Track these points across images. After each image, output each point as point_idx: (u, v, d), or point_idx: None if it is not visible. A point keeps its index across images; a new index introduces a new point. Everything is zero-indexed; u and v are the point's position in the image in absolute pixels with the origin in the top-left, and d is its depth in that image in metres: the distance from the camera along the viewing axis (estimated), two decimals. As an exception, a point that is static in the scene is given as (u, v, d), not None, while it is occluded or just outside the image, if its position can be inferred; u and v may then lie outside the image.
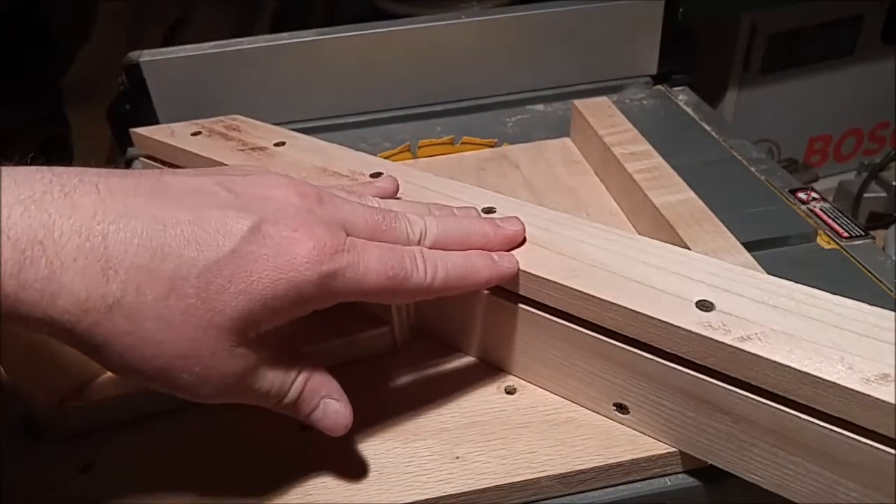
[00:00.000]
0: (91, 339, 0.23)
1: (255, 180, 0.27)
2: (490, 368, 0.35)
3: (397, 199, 0.35)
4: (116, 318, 0.23)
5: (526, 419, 0.32)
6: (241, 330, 0.25)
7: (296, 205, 0.27)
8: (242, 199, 0.26)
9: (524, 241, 0.33)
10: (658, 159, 0.47)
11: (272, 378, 0.27)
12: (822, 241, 0.46)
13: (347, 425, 0.28)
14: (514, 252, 0.32)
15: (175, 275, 0.23)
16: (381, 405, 0.33)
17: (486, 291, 0.33)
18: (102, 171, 0.25)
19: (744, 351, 0.25)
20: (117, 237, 0.23)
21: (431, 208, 0.33)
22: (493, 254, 0.31)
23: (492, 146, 0.60)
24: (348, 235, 0.27)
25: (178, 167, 0.47)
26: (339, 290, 0.26)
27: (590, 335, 0.30)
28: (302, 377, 0.28)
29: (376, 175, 0.39)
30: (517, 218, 0.33)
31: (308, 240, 0.25)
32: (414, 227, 0.30)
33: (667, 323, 0.27)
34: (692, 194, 0.43)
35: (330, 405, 0.28)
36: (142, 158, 0.50)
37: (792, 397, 0.25)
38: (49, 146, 0.83)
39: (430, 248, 0.30)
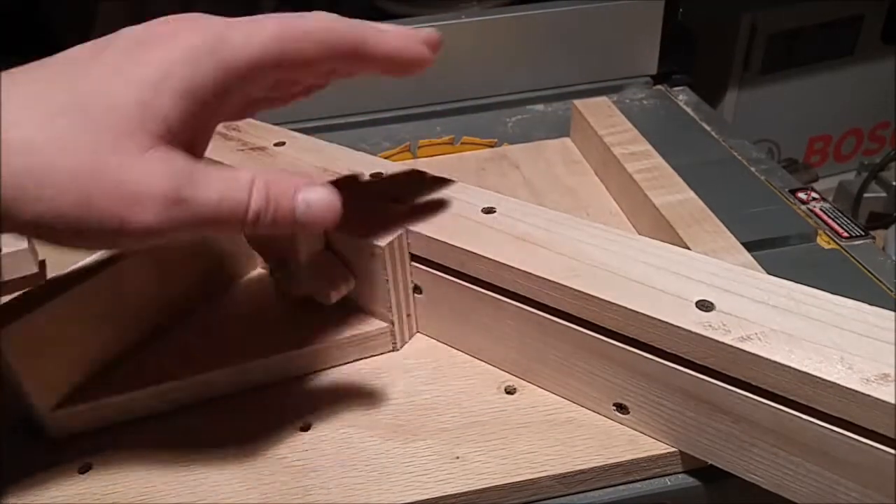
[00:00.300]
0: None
1: (152, 23, 0.25)
2: (490, 368, 0.35)
3: None
4: (8, 159, 0.20)
5: (526, 419, 0.32)
6: (146, 129, 0.22)
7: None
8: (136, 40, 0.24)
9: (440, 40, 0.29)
10: (658, 159, 0.47)
11: (218, 183, 0.23)
12: (822, 241, 0.46)
13: (338, 209, 0.25)
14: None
15: (50, 94, 0.22)
16: (381, 405, 0.34)
17: (486, 291, 0.33)
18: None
19: (744, 351, 0.25)
20: (5, 81, 0.22)
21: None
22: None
23: (492, 146, 0.60)
24: None
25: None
26: (238, 50, 0.24)
27: (590, 335, 0.30)
28: (260, 181, 0.24)
29: (376, 175, 0.39)
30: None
31: (184, 21, 0.24)
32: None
33: (667, 323, 0.27)
34: (692, 194, 0.43)
35: (310, 194, 0.24)
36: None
37: (792, 397, 0.25)
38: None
39: None
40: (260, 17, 0.25)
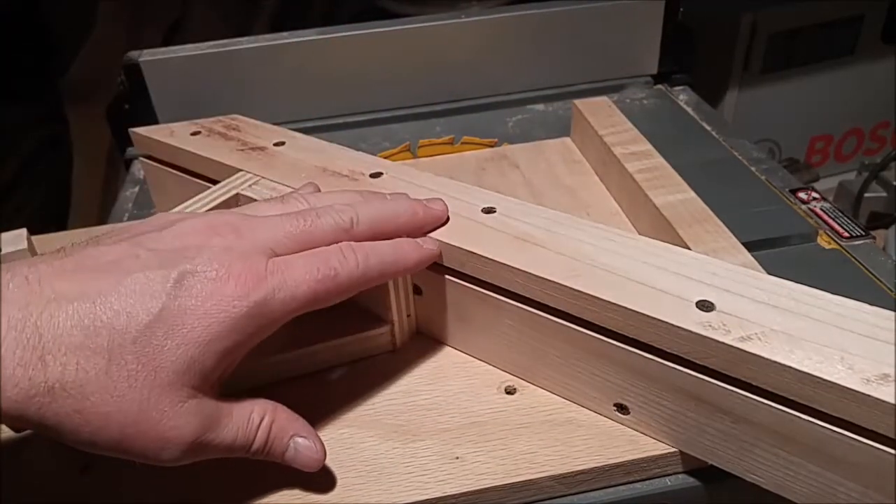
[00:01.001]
0: (42, 422, 0.23)
1: (171, 232, 0.28)
2: (490, 368, 0.35)
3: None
4: (60, 398, 0.23)
5: (526, 419, 0.32)
6: (187, 383, 0.25)
7: (213, 246, 0.27)
8: (161, 256, 0.27)
9: (448, 220, 0.34)
10: (658, 159, 0.47)
11: (234, 429, 0.27)
12: (823, 241, 0.46)
13: (321, 460, 0.29)
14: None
15: (111, 346, 0.24)
16: (381, 405, 0.33)
17: (486, 291, 0.33)
18: (33, 259, 0.26)
19: (744, 351, 0.25)
20: (49, 323, 0.23)
21: (364, 194, 0.34)
22: (418, 240, 0.33)
23: (492, 146, 0.60)
24: (275, 254, 0.28)
25: (177, 167, 0.47)
26: (277, 311, 0.27)
27: (590, 335, 0.30)
28: (266, 422, 0.28)
29: (376, 175, 0.39)
30: (441, 199, 0.35)
31: (229, 279, 0.26)
32: (342, 215, 0.31)
33: (667, 323, 0.27)
34: (692, 194, 0.43)
35: (300, 444, 0.28)
36: (141, 158, 0.50)
37: (792, 397, 0.25)
38: (49, 146, 0.83)
39: (363, 231, 0.31)
40: (296, 268, 0.28)
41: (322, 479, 0.30)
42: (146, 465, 0.25)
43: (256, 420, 0.28)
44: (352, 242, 0.30)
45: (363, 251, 0.30)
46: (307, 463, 0.28)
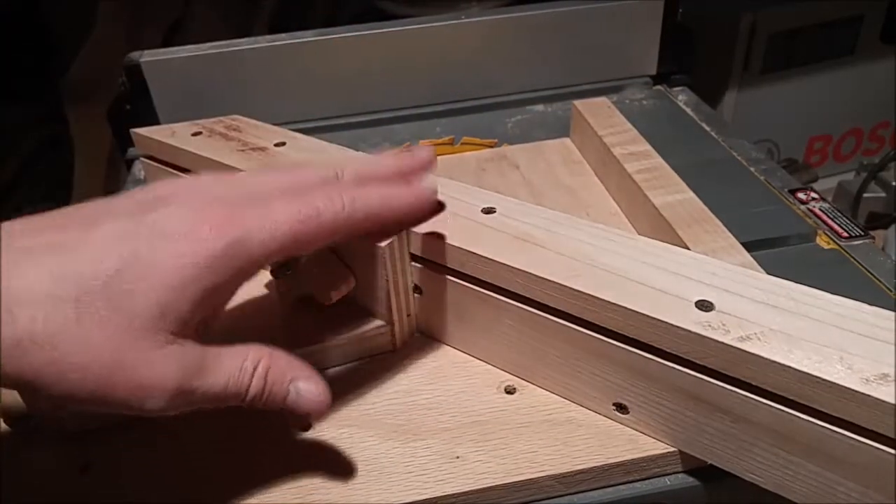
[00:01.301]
0: (18, 378, 0.22)
1: (153, 186, 0.27)
2: (490, 368, 0.35)
3: None
4: (31, 351, 0.22)
5: (526, 419, 0.32)
6: (165, 328, 0.24)
7: (191, 192, 0.26)
8: (138, 205, 0.26)
9: (436, 165, 0.33)
10: (657, 159, 0.47)
11: (224, 373, 0.25)
12: (822, 241, 0.46)
13: (325, 402, 0.27)
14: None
15: (80, 293, 0.23)
16: (381, 405, 0.34)
17: (486, 291, 0.33)
18: (7, 222, 0.24)
19: (743, 351, 0.25)
20: (18, 274, 0.22)
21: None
22: (412, 178, 0.31)
23: (492, 146, 0.60)
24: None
25: (178, 167, 0.47)
26: (256, 252, 0.25)
27: (590, 335, 0.30)
28: (261, 368, 0.26)
29: (376, 175, 0.39)
30: (427, 147, 0.33)
31: (203, 220, 0.25)
32: (327, 169, 0.30)
33: (667, 323, 0.27)
34: (691, 194, 0.43)
35: (301, 388, 0.27)
36: (142, 158, 0.50)
37: (792, 397, 0.25)
38: (49, 146, 0.83)
39: (349, 182, 0.30)
40: (277, 208, 0.26)
41: (323, 479, 0.30)
42: (132, 415, 0.24)
43: (250, 367, 0.26)
44: (339, 186, 0.29)
45: (349, 193, 0.28)
46: (310, 407, 0.27)
